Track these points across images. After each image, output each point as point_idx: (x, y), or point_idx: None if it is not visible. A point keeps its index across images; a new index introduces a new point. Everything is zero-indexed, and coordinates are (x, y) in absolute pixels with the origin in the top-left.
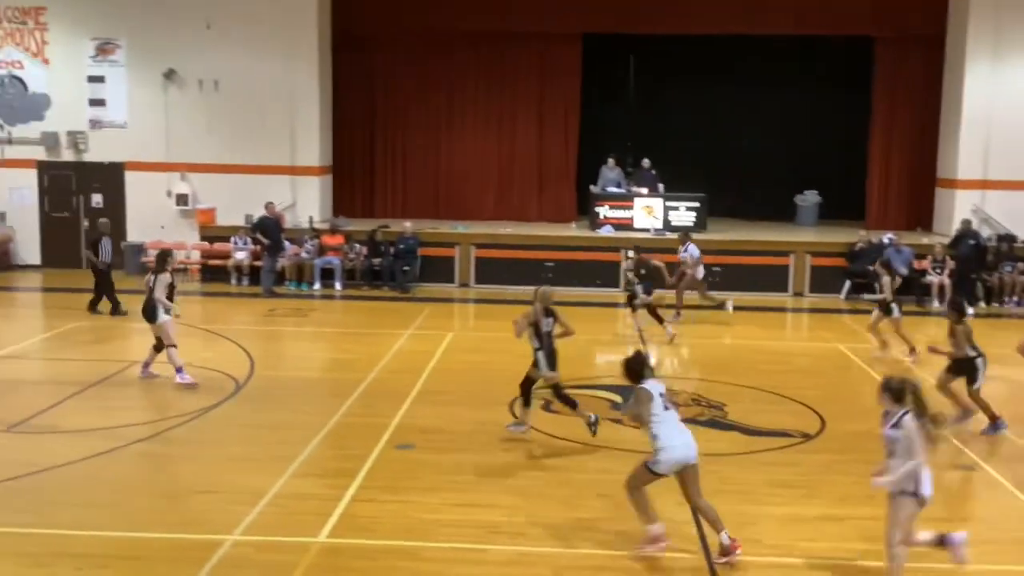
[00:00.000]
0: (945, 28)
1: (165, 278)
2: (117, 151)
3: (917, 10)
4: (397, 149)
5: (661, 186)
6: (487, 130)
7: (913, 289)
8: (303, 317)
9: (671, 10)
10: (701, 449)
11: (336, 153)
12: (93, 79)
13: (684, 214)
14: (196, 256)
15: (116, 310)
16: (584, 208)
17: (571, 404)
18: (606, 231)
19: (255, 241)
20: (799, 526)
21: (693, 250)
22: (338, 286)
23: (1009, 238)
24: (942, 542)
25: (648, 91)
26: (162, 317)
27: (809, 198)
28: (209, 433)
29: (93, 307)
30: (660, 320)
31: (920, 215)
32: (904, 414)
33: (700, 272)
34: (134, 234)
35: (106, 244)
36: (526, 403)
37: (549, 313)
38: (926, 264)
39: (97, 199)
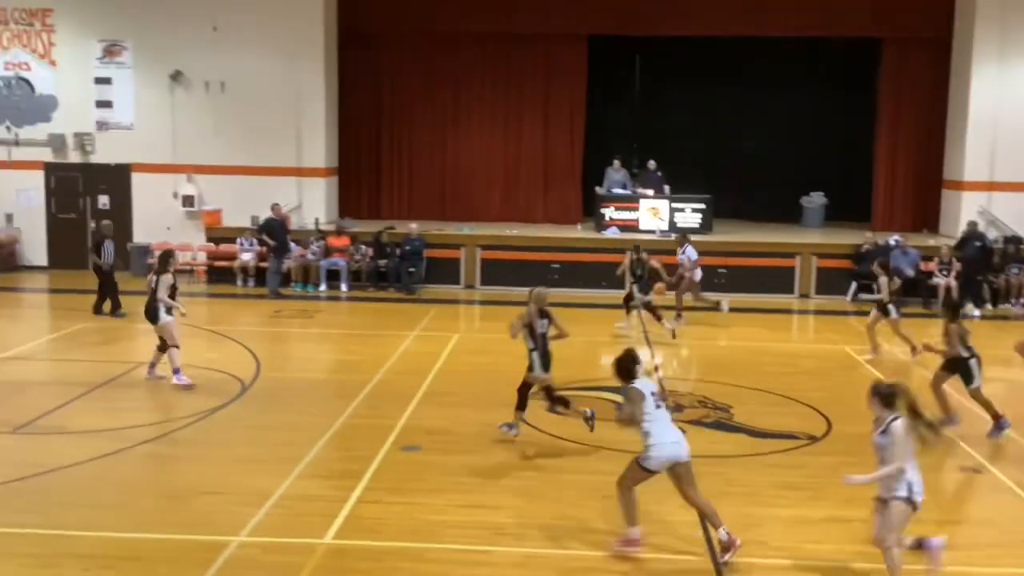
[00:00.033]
0: (951, 30)
1: (167, 279)
2: (124, 153)
3: (923, 12)
4: (403, 150)
5: (667, 188)
6: (493, 131)
7: (919, 291)
8: (309, 318)
9: (676, 12)
10: (707, 451)
11: (342, 154)
12: (100, 81)
13: (690, 216)
14: (202, 257)
15: (115, 311)
16: (590, 209)
17: (564, 403)
18: (612, 233)
19: (261, 242)
20: (805, 528)
21: (691, 252)
22: (344, 287)
23: (1015, 240)
24: (920, 546)
25: (653, 92)
26: (164, 318)
27: (815, 200)
28: (215, 434)
29: (98, 309)
30: (659, 318)
31: (926, 217)
32: (893, 420)
33: (698, 274)
34: (140, 235)
35: (108, 247)
36: (521, 406)
37: (544, 314)
38: (932, 266)
39: (104, 200)
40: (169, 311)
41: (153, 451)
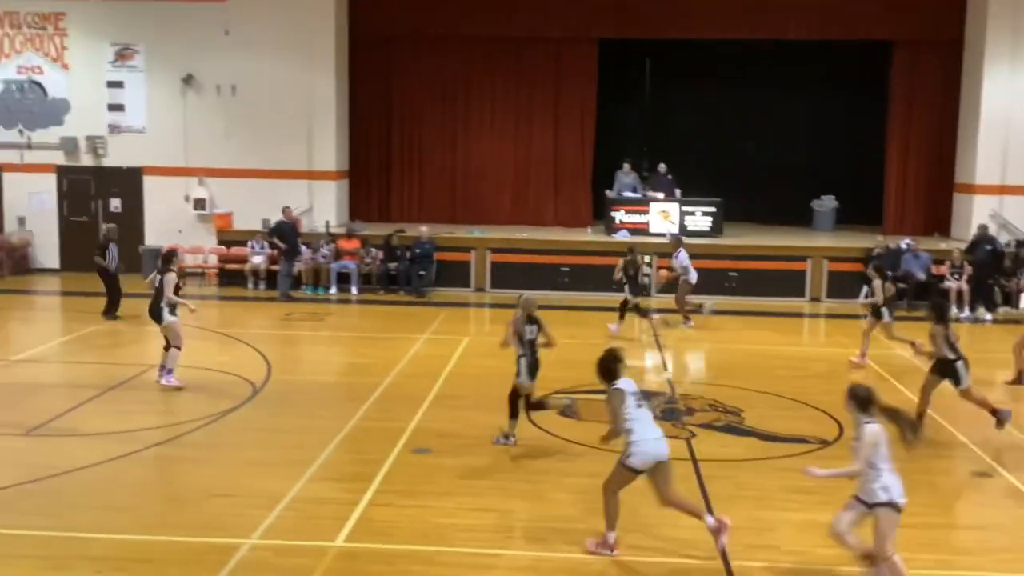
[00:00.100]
0: (963, 32)
1: (172, 278)
2: (136, 156)
3: (935, 14)
4: (413, 153)
5: (677, 191)
6: (503, 134)
7: (931, 294)
8: (319, 321)
9: (686, 15)
10: (718, 455)
11: (353, 157)
12: (112, 84)
13: (700, 219)
14: (213, 260)
15: (109, 311)
16: (600, 213)
17: (543, 407)
18: (622, 236)
19: (272, 245)
20: (817, 532)
21: (683, 257)
22: (354, 290)
23: None
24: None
25: (664, 95)
26: (168, 318)
27: (826, 203)
28: (226, 437)
29: (112, 314)
30: (643, 315)
31: (938, 220)
32: (866, 423)
33: (693, 277)
34: (152, 238)
35: (113, 250)
36: (513, 415)
37: (532, 321)
38: (944, 270)
39: (116, 203)
40: (173, 311)
41: (164, 453)
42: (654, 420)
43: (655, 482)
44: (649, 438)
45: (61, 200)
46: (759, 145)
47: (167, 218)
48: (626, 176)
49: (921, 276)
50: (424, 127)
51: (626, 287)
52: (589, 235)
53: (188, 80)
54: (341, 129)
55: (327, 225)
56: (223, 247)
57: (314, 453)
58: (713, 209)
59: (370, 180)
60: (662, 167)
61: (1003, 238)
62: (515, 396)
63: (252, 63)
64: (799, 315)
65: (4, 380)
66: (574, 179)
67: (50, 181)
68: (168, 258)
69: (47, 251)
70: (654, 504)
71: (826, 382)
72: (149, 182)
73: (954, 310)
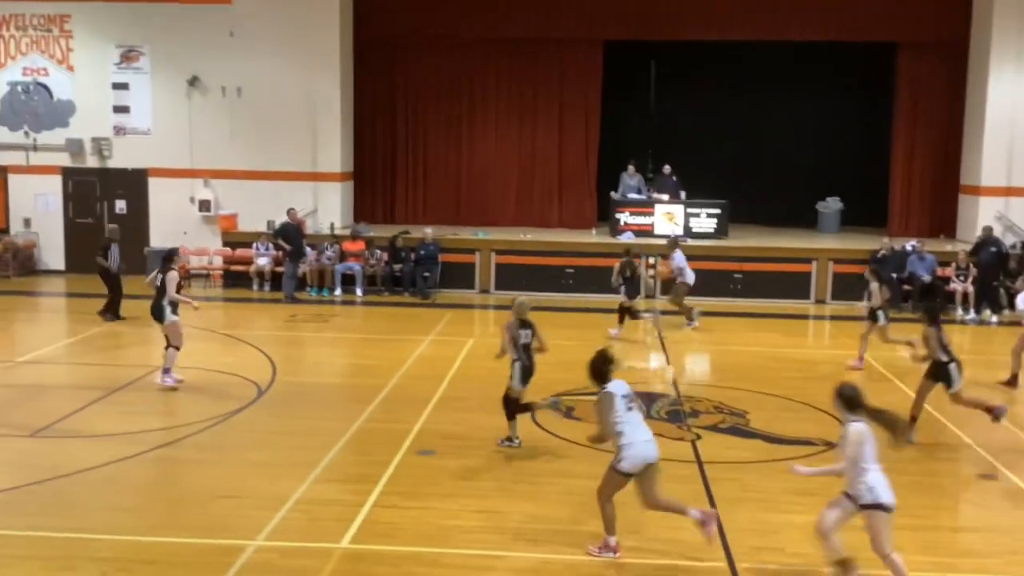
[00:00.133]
0: (968, 34)
1: (174, 276)
2: (141, 157)
3: (940, 16)
4: (418, 155)
5: (682, 193)
6: (507, 136)
7: (937, 296)
8: (324, 323)
9: (691, 16)
10: (723, 457)
11: (357, 159)
12: (117, 86)
13: (705, 221)
14: (218, 262)
15: (106, 313)
16: (604, 214)
17: (529, 409)
18: (627, 238)
19: (277, 247)
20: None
21: (678, 258)
22: (359, 292)
23: None
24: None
25: (668, 97)
26: (170, 317)
27: (831, 205)
28: (231, 438)
29: (115, 314)
30: (634, 316)
31: (943, 222)
32: (851, 422)
33: (689, 277)
34: (157, 240)
35: (115, 250)
36: (511, 417)
37: (526, 325)
38: (950, 272)
39: (121, 205)
40: (175, 310)
41: (170, 455)
42: (646, 421)
43: (641, 485)
44: (640, 440)
45: (66, 202)
46: (764, 147)
47: (172, 220)
48: (631, 178)
49: (926, 278)
50: (429, 129)
51: (622, 289)
52: (594, 237)
53: (193, 82)
54: (346, 131)
55: (332, 227)
56: (228, 249)
57: (319, 455)
58: (718, 211)
59: (375, 182)
60: (667, 169)
61: (1008, 240)
62: (509, 400)
63: (257, 65)
64: (804, 317)
65: (10, 381)
66: (578, 181)
67: (55, 183)
68: (169, 257)
69: (52, 252)
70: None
71: (831, 384)
72: (154, 184)
73: (959, 312)
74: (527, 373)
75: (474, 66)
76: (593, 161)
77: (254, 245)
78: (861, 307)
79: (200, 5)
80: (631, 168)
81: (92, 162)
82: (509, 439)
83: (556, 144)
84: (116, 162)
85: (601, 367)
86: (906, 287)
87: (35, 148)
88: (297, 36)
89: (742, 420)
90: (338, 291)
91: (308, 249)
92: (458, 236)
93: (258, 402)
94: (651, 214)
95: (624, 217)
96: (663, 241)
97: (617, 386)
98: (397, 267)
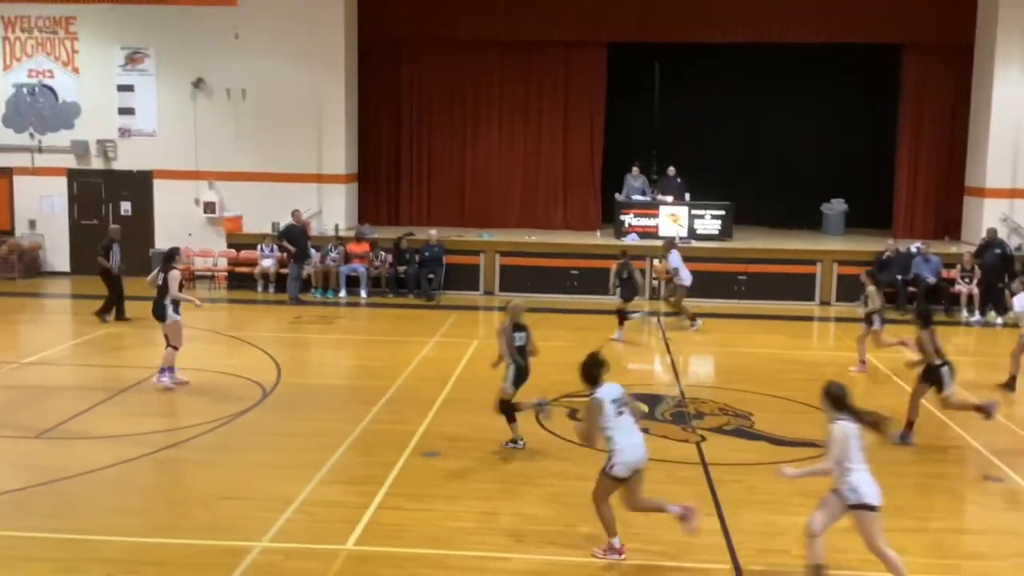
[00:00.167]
0: (973, 35)
1: (176, 275)
2: (146, 159)
3: (945, 18)
4: (423, 157)
5: (687, 194)
6: (512, 138)
7: (942, 298)
8: (329, 324)
9: (695, 19)
10: (728, 459)
11: (362, 161)
12: (122, 88)
13: (710, 222)
14: (223, 264)
15: (102, 313)
16: (609, 216)
17: (514, 410)
18: (631, 239)
19: (281, 249)
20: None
21: (673, 259)
22: (363, 294)
23: None
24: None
25: (673, 99)
26: (172, 316)
27: (836, 206)
28: (236, 440)
29: (120, 315)
30: (623, 317)
31: (948, 224)
32: (836, 420)
33: (685, 278)
34: (162, 242)
35: (116, 251)
36: (510, 419)
37: (520, 327)
38: (955, 273)
39: (126, 207)
40: (177, 309)
41: (175, 456)
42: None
43: (628, 488)
44: (631, 445)
45: (71, 203)
46: (769, 148)
47: (177, 221)
48: (635, 179)
49: (931, 280)
50: (433, 130)
51: (618, 291)
52: (598, 238)
53: (198, 84)
54: (350, 132)
55: (336, 228)
56: (232, 250)
57: (324, 456)
58: (722, 212)
59: (379, 183)
60: (671, 170)
61: (1014, 242)
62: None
63: (262, 67)
64: (809, 319)
65: (15, 383)
66: (583, 182)
67: (61, 184)
68: (170, 256)
69: (57, 254)
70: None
71: None
72: (159, 185)
73: (964, 313)
74: (521, 376)
75: (478, 68)
76: (597, 163)
77: (258, 247)
78: (859, 312)
79: (205, 7)
80: (635, 170)
81: (97, 164)
82: (513, 441)
83: (560, 146)
84: (121, 164)
85: (591, 370)
86: (911, 289)
87: (40, 150)
88: (302, 38)
89: (747, 422)
90: (342, 293)
91: (312, 251)
92: (462, 238)
93: (263, 404)
94: (655, 216)
95: (628, 219)
96: (678, 244)
97: (607, 391)
98: (401, 269)
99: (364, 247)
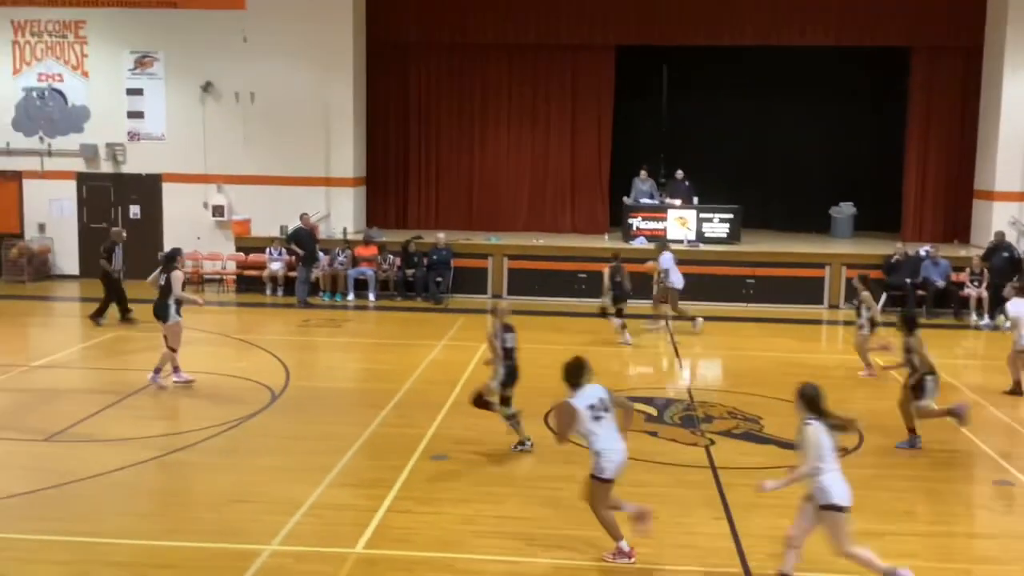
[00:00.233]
0: (982, 38)
1: (178, 275)
2: (155, 163)
3: (953, 20)
4: (431, 160)
5: (695, 198)
6: (520, 141)
7: (951, 302)
8: (337, 328)
9: (703, 22)
10: (737, 462)
11: (370, 164)
12: (132, 92)
13: (718, 225)
14: (231, 267)
15: (98, 315)
16: (617, 220)
17: (487, 407)
18: (639, 243)
19: (290, 252)
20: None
21: (664, 259)
22: (372, 297)
23: None
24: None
25: (681, 102)
26: (174, 317)
27: (844, 209)
28: (245, 443)
29: (125, 317)
30: (602, 316)
31: (957, 227)
32: (806, 422)
33: (676, 280)
34: (171, 245)
35: (119, 253)
36: (513, 424)
37: (509, 329)
38: (964, 277)
39: (135, 210)
40: (179, 310)
41: (184, 459)
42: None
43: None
44: (616, 448)
45: (81, 207)
46: (777, 152)
47: (186, 225)
48: (643, 183)
49: (940, 283)
50: (441, 134)
51: (611, 293)
52: (606, 242)
53: (207, 87)
54: (358, 136)
55: (344, 232)
56: (241, 254)
57: (333, 459)
58: (731, 216)
59: (387, 187)
60: (679, 173)
61: (1022, 245)
62: (504, 402)
63: (270, 70)
64: (817, 322)
65: (24, 386)
66: (591, 186)
67: (70, 188)
68: (172, 256)
69: (67, 257)
70: (671, 512)
71: (845, 390)
72: (168, 189)
73: (973, 317)
74: (512, 376)
75: (487, 70)
76: (605, 166)
77: (267, 250)
78: (860, 320)
79: (214, 11)
80: (643, 173)
81: (106, 167)
82: (521, 443)
83: (568, 149)
84: (130, 167)
85: (573, 373)
86: (920, 292)
87: (50, 154)
88: (310, 41)
89: (756, 425)
90: (351, 296)
91: (321, 254)
92: (470, 241)
93: (272, 407)
94: (664, 219)
95: (637, 222)
96: (687, 247)
97: (586, 396)
98: (410, 272)
99: (372, 250)
